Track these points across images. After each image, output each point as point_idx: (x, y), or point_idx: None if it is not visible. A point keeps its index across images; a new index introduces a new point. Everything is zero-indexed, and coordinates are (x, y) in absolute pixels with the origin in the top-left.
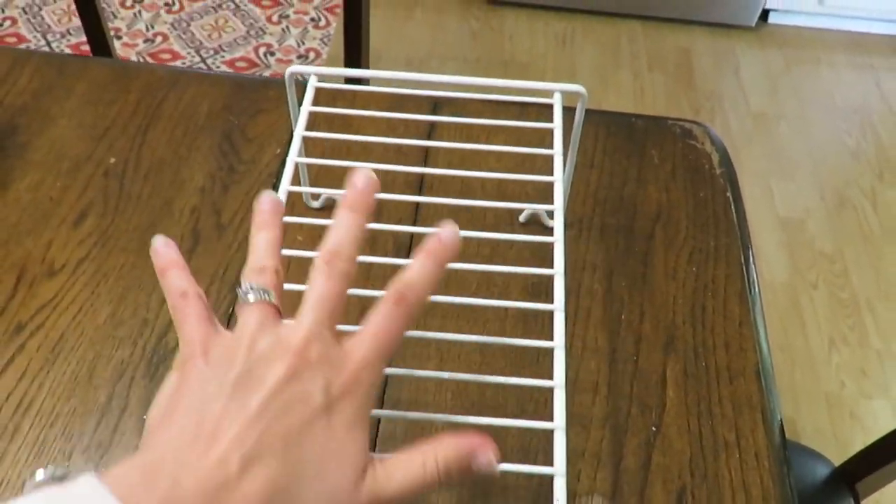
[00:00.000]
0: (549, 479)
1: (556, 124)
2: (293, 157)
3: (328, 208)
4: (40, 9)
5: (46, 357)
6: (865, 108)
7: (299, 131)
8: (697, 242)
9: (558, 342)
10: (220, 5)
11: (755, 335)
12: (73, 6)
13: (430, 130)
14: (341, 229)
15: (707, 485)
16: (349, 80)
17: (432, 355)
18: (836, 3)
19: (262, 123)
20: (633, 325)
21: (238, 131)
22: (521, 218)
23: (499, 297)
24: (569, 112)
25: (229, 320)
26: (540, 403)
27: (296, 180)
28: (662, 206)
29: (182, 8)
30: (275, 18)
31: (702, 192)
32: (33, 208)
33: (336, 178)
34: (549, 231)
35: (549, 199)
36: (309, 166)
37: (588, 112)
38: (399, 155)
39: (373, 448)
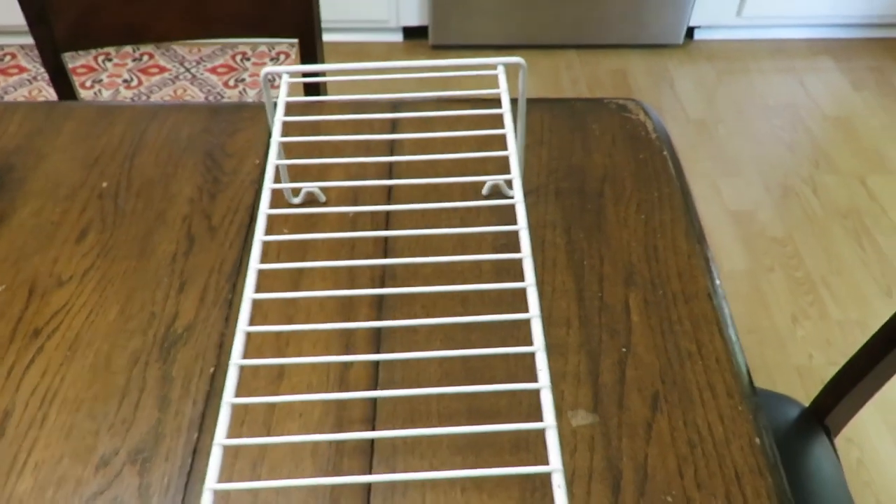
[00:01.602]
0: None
1: (502, 89)
2: (276, 138)
3: (308, 203)
4: (1, 97)
5: (65, 354)
6: (794, 105)
7: (279, 116)
8: (643, 195)
9: (530, 280)
10: (177, 77)
11: (703, 264)
12: (30, 96)
13: (393, 128)
14: None
15: (677, 388)
16: (309, 90)
17: (419, 312)
18: (753, 13)
19: (240, 140)
20: (595, 267)
21: (218, 149)
22: (484, 191)
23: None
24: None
25: (230, 306)
26: (521, 340)
27: (277, 179)
28: (608, 169)
29: (140, 83)
30: (231, 83)
31: (641, 154)
32: (37, 231)
33: (313, 174)
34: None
35: (507, 170)
36: (289, 168)
37: (533, 100)
38: (368, 151)
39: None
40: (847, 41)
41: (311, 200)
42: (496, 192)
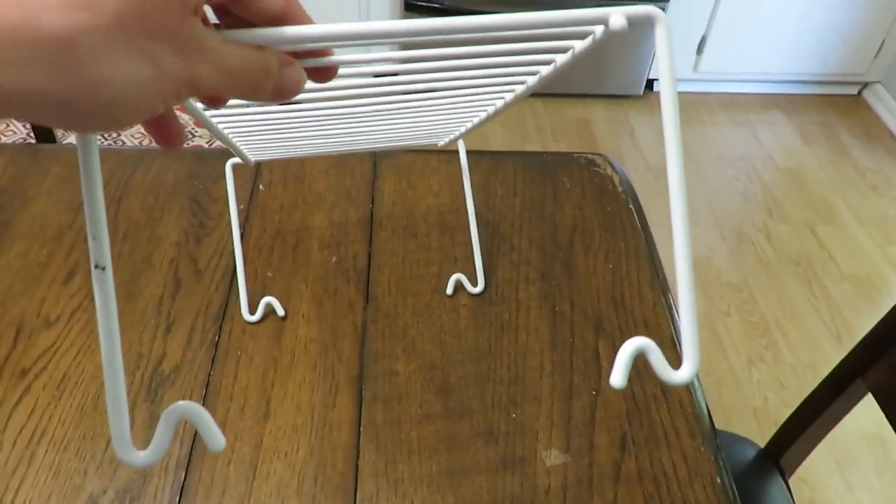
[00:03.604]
0: (515, 429)
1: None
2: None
3: (267, 318)
4: None
5: (53, 394)
6: (748, 156)
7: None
8: (610, 245)
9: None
10: None
11: (667, 312)
12: None
13: (374, 177)
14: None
15: (644, 429)
16: None
17: (399, 354)
18: (709, 68)
19: (225, 186)
20: (566, 314)
21: (204, 194)
22: (448, 291)
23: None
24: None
25: (216, 348)
26: (497, 381)
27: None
28: (578, 220)
29: None
30: None
31: (609, 206)
32: (24, 272)
33: (296, 220)
34: (472, 297)
35: (470, 265)
36: (266, 226)
37: (505, 153)
38: (349, 200)
39: (358, 426)
40: (797, 97)
41: (269, 312)
42: (459, 286)
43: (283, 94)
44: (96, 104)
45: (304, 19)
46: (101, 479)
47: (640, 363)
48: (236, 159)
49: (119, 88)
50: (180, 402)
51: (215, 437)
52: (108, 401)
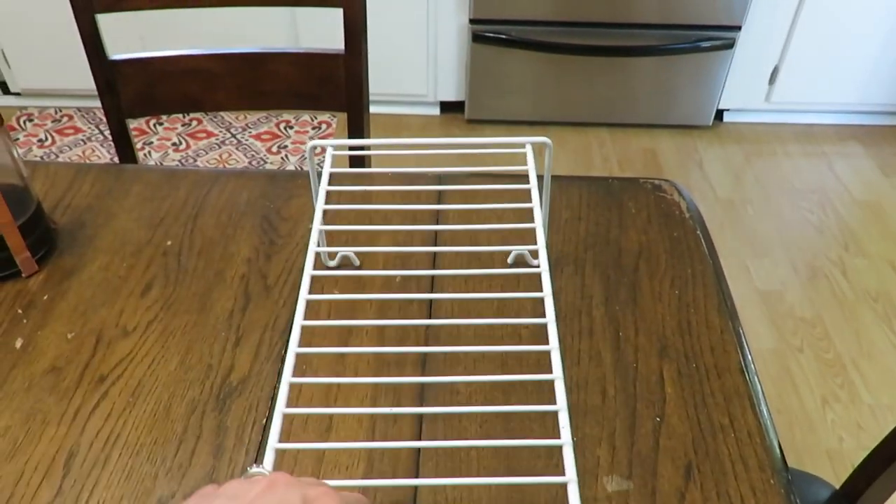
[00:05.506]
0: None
1: (530, 166)
2: (320, 205)
3: (343, 266)
4: (56, 155)
5: (127, 400)
6: (822, 188)
7: (323, 185)
8: (677, 271)
9: (553, 345)
10: (223, 142)
11: (735, 339)
12: (83, 155)
13: (438, 199)
14: None
15: (710, 460)
16: (353, 161)
17: (461, 373)
18: (782, 98)
19: (295, 206)
20: (630, 339)
21: (275, 213)
22: (509, 260)
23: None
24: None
25: (282, 361)
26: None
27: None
28: (643, 245)
29: (188, 146)
30: (274, 149)
31: (675, 232)
32: (105, 284)
33: (362, 240)
34: (533, 268)
35: (532, 241)
36: (338, 233)
37: (570, 177)
38: (414, 220)
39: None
40: (875, 128)
41: (346, 264)
42: (520, 259)
43: None
44: None
45: None
46: (171, 483)
47: (705, 389)
48: (317, 141)
49: None
50: None
51: None
52: None
